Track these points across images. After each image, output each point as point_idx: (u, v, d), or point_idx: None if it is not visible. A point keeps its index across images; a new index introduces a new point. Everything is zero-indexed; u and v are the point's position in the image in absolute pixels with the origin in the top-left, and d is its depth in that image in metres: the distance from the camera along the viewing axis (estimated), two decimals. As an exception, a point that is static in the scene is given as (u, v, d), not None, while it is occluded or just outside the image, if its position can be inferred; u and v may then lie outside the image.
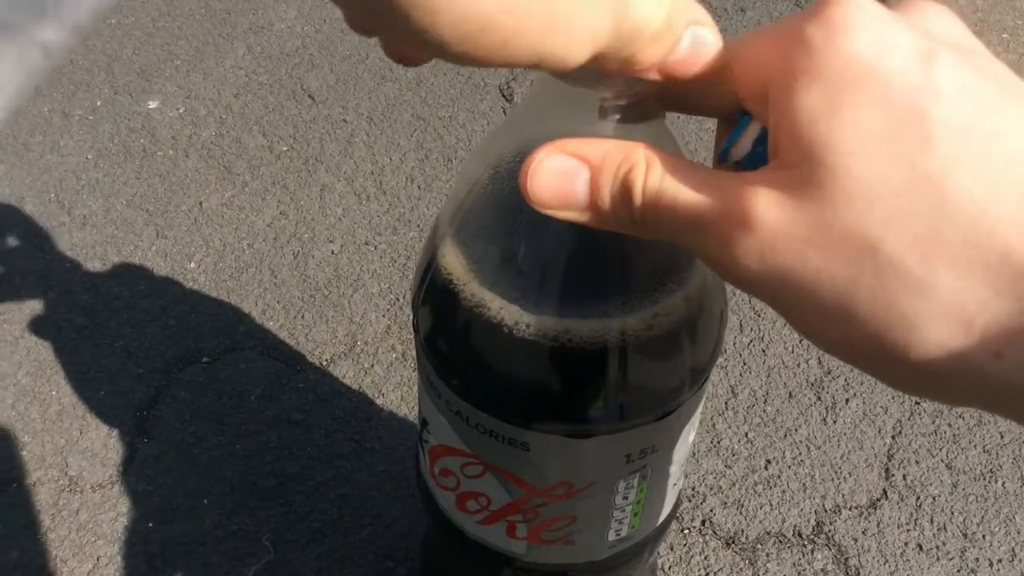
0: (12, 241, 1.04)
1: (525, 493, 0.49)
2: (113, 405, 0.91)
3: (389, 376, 0.94)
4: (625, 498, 0.50)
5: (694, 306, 0.43)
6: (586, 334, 0.41)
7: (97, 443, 0.88)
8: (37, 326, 0.97)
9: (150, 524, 0.83)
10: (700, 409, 0.51)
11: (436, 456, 0.52)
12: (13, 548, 0.81)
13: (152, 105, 1.20)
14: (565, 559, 0.54)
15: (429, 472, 0.55)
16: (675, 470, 0.52)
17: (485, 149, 0.44)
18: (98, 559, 0.81)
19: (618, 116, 0.37)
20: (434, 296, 0.46)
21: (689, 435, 0.51)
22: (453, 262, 0.43)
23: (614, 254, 0.41)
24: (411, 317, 0.49)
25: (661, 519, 0.56)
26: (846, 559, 0.84)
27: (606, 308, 0.41)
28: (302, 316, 0.99)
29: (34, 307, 0.98)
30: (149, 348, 0.95)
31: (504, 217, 0.42)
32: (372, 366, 0.95)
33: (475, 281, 0.42)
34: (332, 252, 1.05)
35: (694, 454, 0.89)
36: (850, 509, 0.87)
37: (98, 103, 1.21)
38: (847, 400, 0.94)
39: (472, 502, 0.52)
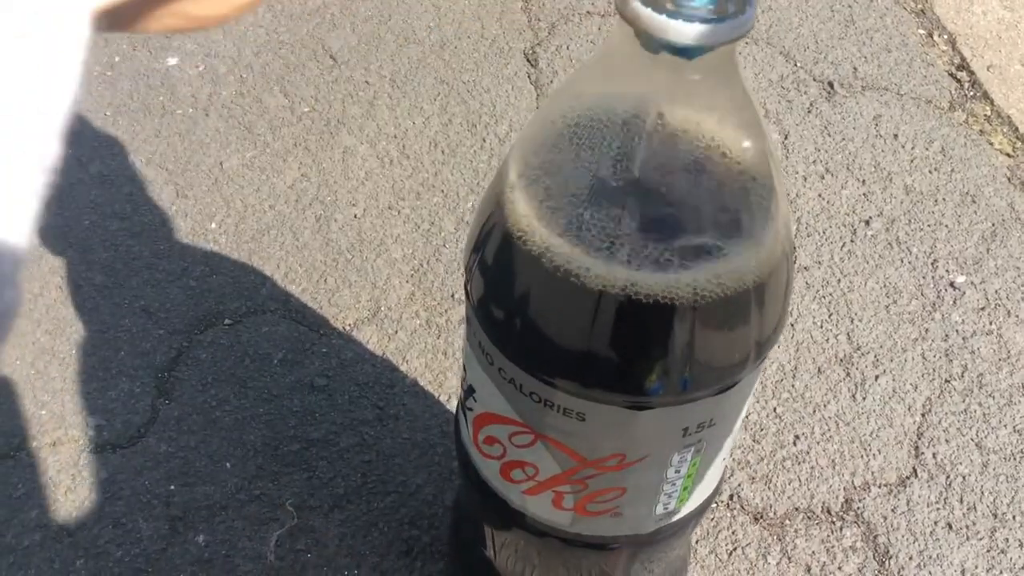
0: (30, 197, 1.02)
1: (576, 464, 0.48)
2: (133, 366, 0.90)
3: (413, 343, 0.93)
4: (677, 471, 0.49)
5: (764, 272, 0.42)
6: (653, 292, 0.39)
7: (117, 404, 0.87)
8: (56, 284, 0.95)
9: (171, 487, 0.82)
10: (756, 385, 0.49)
11: (482, 424, 0.51)
12: (33, 508, 0.80)
13: (171, 62, 1.18)
14: (610, 532, 0.53)
15: (472, 440, 0.54)
16: (727, 445, 0.51)
17: (551, 110, 0.42)
18: (118, 520, 0.80)
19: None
20: (491, 257, 0.44)
21: (744, 410, 0.50)
22: (516, 220, 0.42)
23: (687, 211, 0.40)
24: (464, 281, 0.48)
25: (708, 494, 0.55)
26: (875, 537, 0.83)
27: (676, 266, 0.40)
28: (325, 280, 0.97)
29: (53, 264, 0.97)
30: (170, 309, 0.94)
31: (574, 172, 0.40)
32: (396, 332, 0.94)
33: (538, 237, 0.41)
34: (355, 216, 1.03)
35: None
36: (879, 487, 0.86)
37: (116, 59, 1.18)
38: (877, 377, 0.93)
39: (518, 471, 0.51)
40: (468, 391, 0.52)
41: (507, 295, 0.44)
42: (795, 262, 1.02)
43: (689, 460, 0.48)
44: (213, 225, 1.01)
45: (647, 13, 0.34)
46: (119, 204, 1.03)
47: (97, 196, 1.03)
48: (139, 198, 1.03)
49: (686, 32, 0.34)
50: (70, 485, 0.82)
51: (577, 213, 0.40)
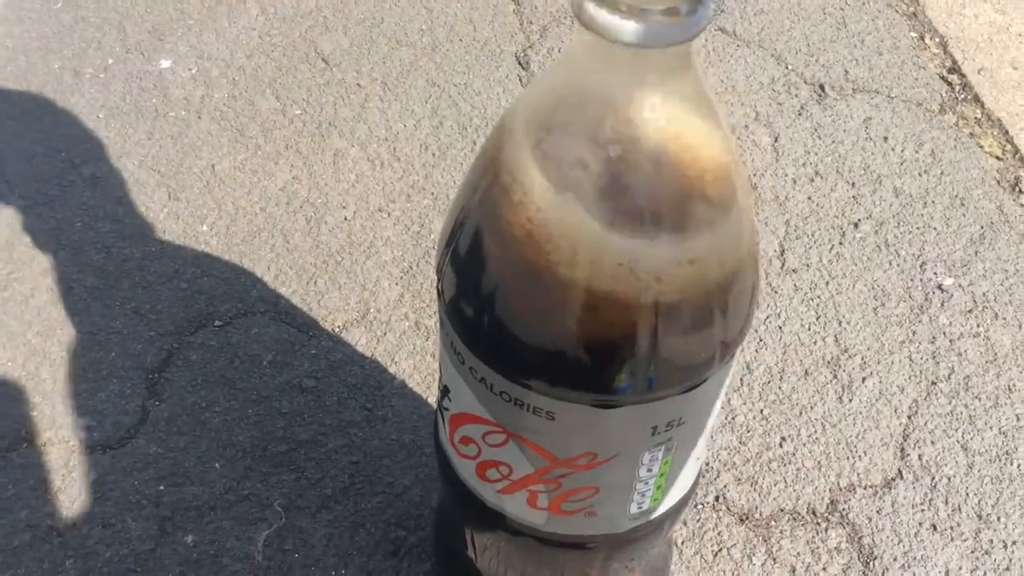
0: (22, 199, 1.03)
1: (548, 463, 0.48)
2: (124, 367, 0.90)
3: (402, 344, 0.94)
4: (649, 470, 0.49)
5: (727, 271, 0.42)
6: (616, 287, 0.40)
7: (108, 405, 0.88)
8: (47, 285, 0.96)
9: (161, 487, 0.83)
10: (727, 384, 0.50)
11: (457, 424, 0.52)
12: (23, 508, 0.81)
13: (164, 65, 1.19)
14: (585, 531, 0.54)
15: (449, 440, 0.54)
16: (700, 444, 0.52)
17: (522, 104, 0.43)
18: (108, 521, 0.81)
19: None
20: (460, 254, 0.45)
21: (715, 409, 0.50)
22: (482, 217, 0.42)
23: (651, 207, 0.40)
24: (435, 282, 0.48)
25: (683, 493, 0.55)
26: (860, 538, 0.83)
27: (638, 261, 0.40)
28: (315, 282, 0.98)
29: (44, 266, 0.97)
30: (161, 310, 0.95)
31: (542, 165, 0.41)
32: (385, 334, 0.94)
33: (502, 232, 0.41)
34: (345, 218, 1.04)
35: (708, 429, 0.89)
36: (865, 488, 0.86)
37: (109, 61, 1.19)
38: (863, 379, 0.93)
39: (493, 471, 0.51)
40: (444, 391, 0.53)
41: (475, 293, 0.44)
42: (784, 262, 1.02)
43: (660, 459, 0.49)
44: (204, 227, 1.02)
45: (599, 14, 0.35)
46: (111, 206, 1.03)
47: (89, 198, 1.04)
48: (131, 200, 1.04)
49: (635, 32, 0.35)
50: (60, 485, 0.83)
51: (543, 207, 0.40)
